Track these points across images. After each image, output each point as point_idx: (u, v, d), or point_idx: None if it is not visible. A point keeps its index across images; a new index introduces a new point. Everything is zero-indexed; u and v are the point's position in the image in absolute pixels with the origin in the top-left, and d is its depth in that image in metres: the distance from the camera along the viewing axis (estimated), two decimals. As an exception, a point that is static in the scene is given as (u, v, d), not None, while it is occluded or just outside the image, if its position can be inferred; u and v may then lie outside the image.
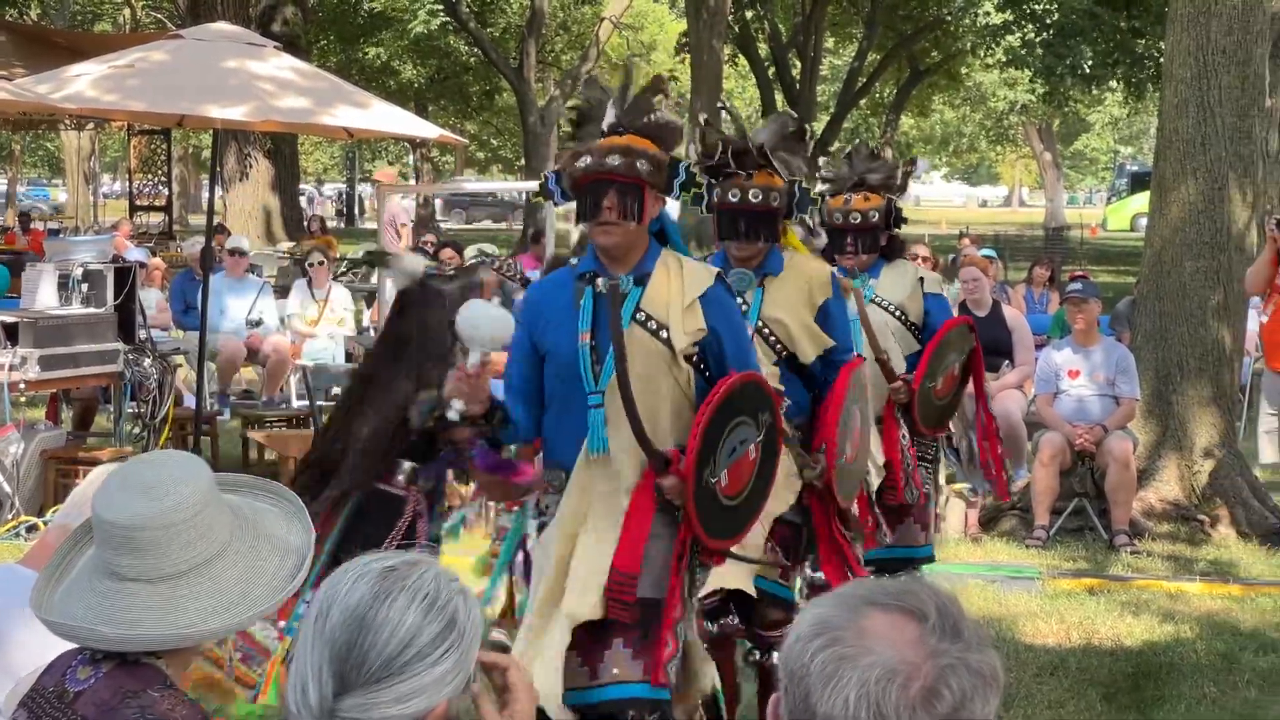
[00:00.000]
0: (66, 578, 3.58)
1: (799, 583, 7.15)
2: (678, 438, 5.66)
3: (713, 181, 6.58)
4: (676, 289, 5.76)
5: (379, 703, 2.70)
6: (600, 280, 5.74)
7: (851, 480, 6.75)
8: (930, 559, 8.32)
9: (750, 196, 6.68)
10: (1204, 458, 12.48)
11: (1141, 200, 52.23)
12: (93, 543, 3.55)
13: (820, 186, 7.62)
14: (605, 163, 5.63)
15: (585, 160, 5.67)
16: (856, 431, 6.69)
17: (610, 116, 5.77)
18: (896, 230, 8.00)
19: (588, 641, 5.62)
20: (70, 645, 3.55)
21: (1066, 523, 12.24)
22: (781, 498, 6.51)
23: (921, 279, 8.26)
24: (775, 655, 6.38)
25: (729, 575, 6.40)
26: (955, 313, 8.89)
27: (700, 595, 6.17)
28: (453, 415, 5.61)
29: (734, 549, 5.98)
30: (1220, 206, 12.44)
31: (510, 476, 6.11)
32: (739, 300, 6.36)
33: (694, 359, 5.77)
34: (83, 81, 14.46)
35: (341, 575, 2.80)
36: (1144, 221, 17.18)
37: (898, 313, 8.12)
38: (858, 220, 7.79)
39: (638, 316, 5.71)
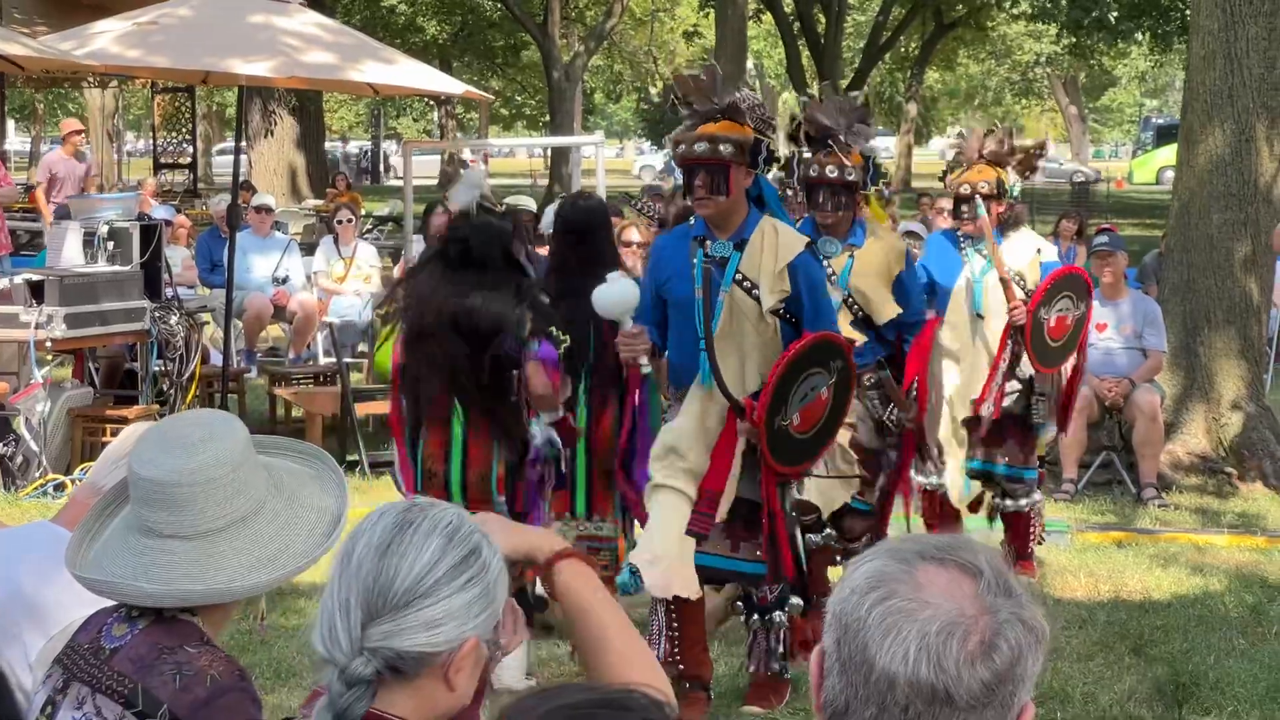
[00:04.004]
0: (101, 536, 3.59)
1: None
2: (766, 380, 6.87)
3: (803, 157, 7.87)
4: (770, 254, 6.87)
5: (408, 628, 2.68)
6: (709, 244, 6.96)
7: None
8: (1033, 479, 9.51)
9: (828, 172, 7.85)
10: (1231, 410, 12.47)
11: (1167, 153, 52.14)
12: (128, 501, 3.56)
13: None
14: (694, 149, 6.83)
15: (681, 147, 6.88)
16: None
17: (704, 106, 6.92)
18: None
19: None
20: (105, 602, 3.56)
21: (1094, 476, 12.24)
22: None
23: (1039, 249, 9.31)
24: None
25: (829, 498, 7.86)
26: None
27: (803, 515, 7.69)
28: (646, 370, 7.10)
29: (818, 467, 7.49)
30: (1248, 158, 12.39)
31: (554, 372, 7.36)
32: (826, 264, 7.61)
33: (781, 313, 6.91)
34: (106, 38, 14.46)
35: (365, 519, 2.81)
36: (1170, 174, 17.13)
37: (1018, 279, 9.11)
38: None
39: (737, 278, 6.89)
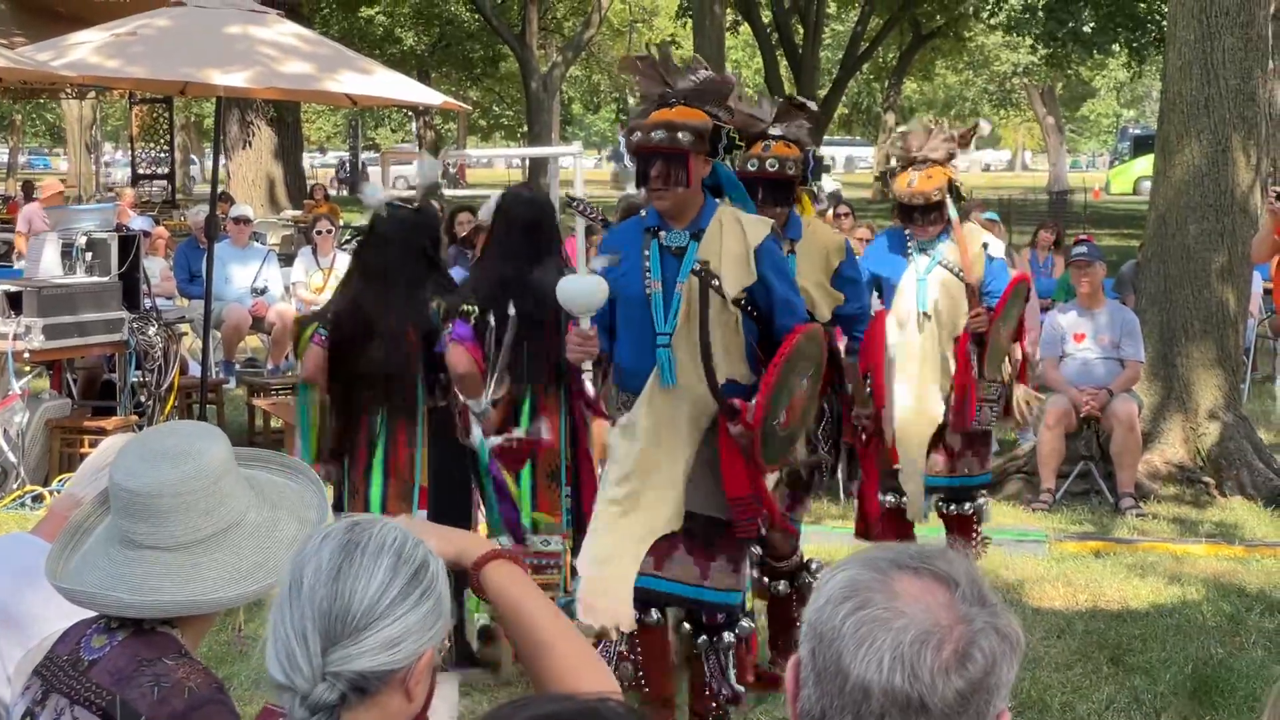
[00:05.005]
0: (82, 546, 3.58)
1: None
2: (731, 370, 6.49)
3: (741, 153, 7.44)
4: (731, 242, 6.48)
5: (369, 649, 2.68)
6: (663, 234, 6.54)
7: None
8: (988, 484, 9.46)
9: (767, 166, 7.52)
10: (1209, 420, 12.48)
11: (1144, 163, 52.27)
12: (109, 513, 3.56)
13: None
14: (651, 137, 6.40)
15: (636, 135, 6.46)
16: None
17: (660, 90, 6.55)
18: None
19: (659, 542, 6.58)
20: (84, 614, 3.56)
21: (1072, 486, 12.26)
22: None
23: (985, 244, 9.04)
24: (782, 584, 7.87)
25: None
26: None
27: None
28: (587, 374, 6.75)
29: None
30: (1224, 169, 12.42)
31: (474, 348, 7.34)
32: None
33: (742, 303, 6.47)
34: (84, 49, 14.42)
35: (306, 543, 2.81)
36: (1147, 185, 17.16)
37: (962, 273, 8.91)
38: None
39: (695, 268, 6.46)
